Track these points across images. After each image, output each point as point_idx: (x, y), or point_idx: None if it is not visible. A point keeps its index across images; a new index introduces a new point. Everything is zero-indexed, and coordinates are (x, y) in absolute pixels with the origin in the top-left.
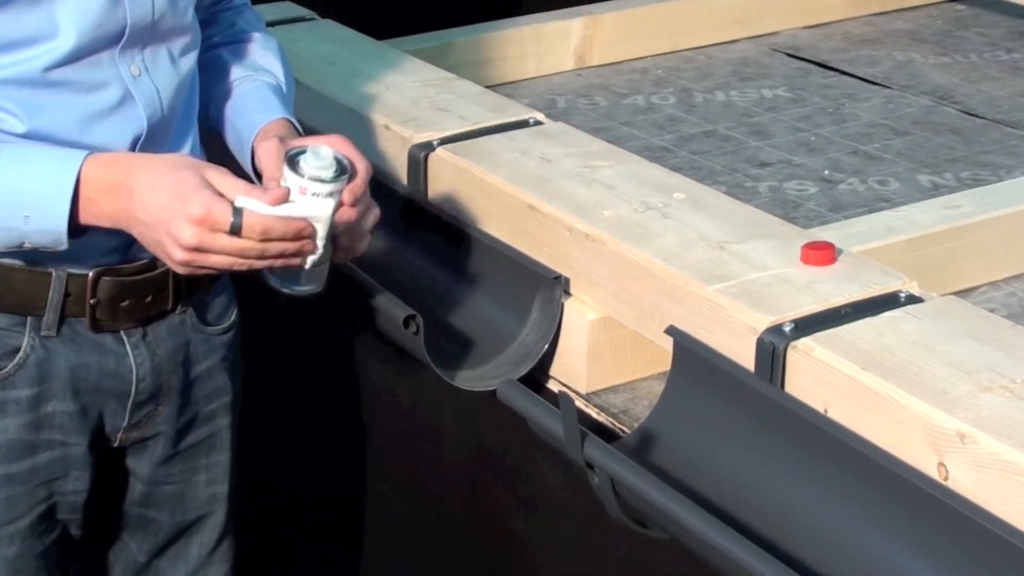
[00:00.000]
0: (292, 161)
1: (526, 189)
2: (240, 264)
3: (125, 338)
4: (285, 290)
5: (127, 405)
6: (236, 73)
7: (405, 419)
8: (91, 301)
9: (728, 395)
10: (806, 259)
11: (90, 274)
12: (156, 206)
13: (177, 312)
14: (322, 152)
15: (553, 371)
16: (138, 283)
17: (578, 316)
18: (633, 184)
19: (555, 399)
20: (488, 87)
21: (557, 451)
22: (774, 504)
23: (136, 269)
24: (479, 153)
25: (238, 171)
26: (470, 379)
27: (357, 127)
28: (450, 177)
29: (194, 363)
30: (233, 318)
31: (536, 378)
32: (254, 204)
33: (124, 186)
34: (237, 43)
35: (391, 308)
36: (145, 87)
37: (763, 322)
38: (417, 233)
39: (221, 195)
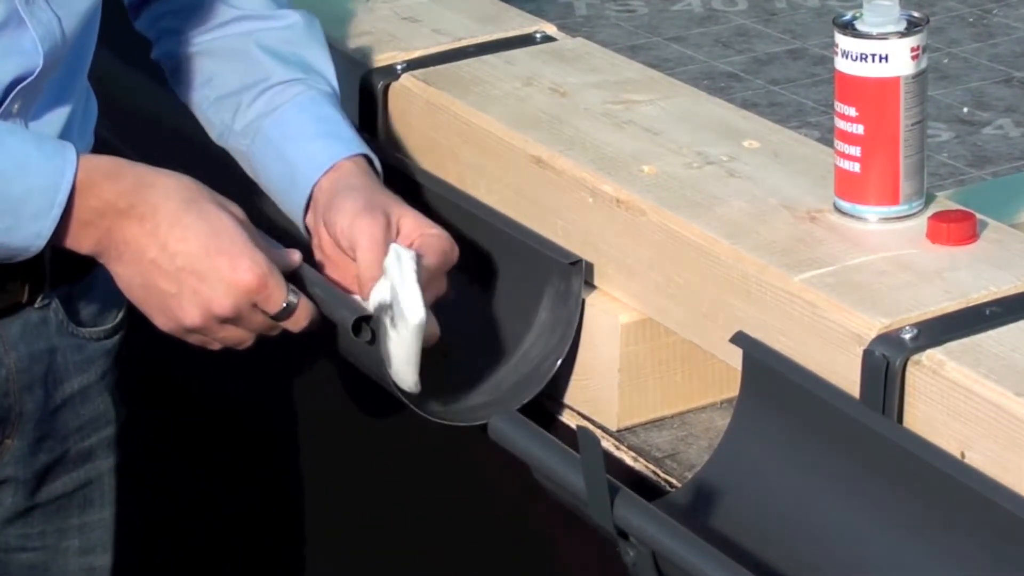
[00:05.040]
0: None
1: (530, 135)
2: (249, 341)
3: None
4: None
5: None
6: (276, 72)
7: (362, 464)
8: None
9: (821, 432)
10: (935, 235)
11: None
12: (187, 254)
13: (37, 306)
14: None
15: (569, 398)
16: None
17: (606, 318)
18: (686, 127)
19: (573, 438)
20: None
21: (576, 512)
22: None
23: None
24: (462, 83)
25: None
26: (452, 409)
27: None
28: (420, 117)
29: (62, 379)
30: (120, 316)
31: (546, 408)
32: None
33: (133, 211)
34: (266, 21)
35: (337, 309)
36: (41, 13)
37: (873, 327)
38: None
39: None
